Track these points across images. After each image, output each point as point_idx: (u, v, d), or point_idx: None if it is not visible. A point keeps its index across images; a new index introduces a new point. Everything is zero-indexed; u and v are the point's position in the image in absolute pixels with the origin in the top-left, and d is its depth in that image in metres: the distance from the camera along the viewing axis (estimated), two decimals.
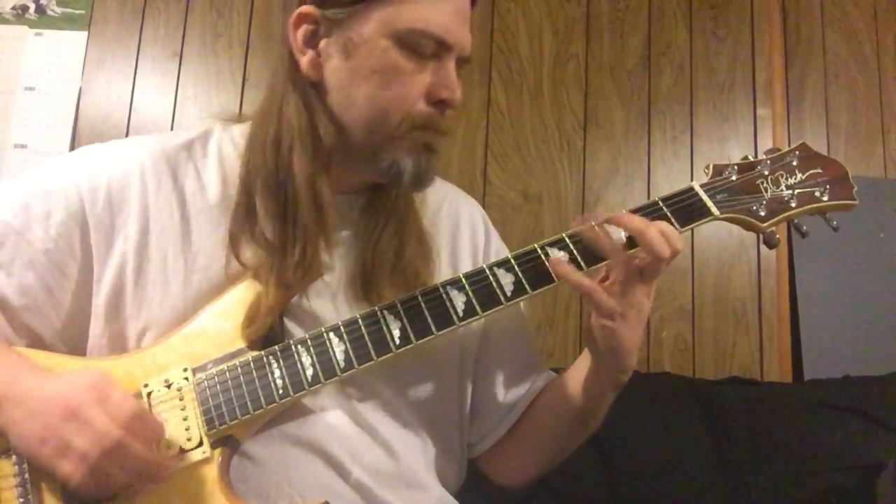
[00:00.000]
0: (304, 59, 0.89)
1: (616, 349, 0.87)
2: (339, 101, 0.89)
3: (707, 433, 1.65)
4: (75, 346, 0.92)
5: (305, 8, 0.89)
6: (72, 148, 1.97)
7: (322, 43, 0.89)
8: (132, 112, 2.00)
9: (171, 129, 1.98)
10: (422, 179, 0.90)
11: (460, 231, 1.06)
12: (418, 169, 0.89)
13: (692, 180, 0.94)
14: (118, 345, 0.90)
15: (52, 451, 0.75)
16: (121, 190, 0.92)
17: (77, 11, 2.05)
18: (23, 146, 1.98)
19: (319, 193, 0.89)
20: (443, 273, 0.99)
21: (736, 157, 0.96)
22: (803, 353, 1.95)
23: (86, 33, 2.03)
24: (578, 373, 0.97)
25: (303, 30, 0.89)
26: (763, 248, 2.02)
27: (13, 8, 2.05)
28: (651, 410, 1.69)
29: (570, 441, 1.04)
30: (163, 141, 0.97)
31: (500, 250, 1.09)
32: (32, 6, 2.05)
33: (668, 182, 2.04)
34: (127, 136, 1.98)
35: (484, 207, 1.17)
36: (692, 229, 0.91)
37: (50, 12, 2.05)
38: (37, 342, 0.90)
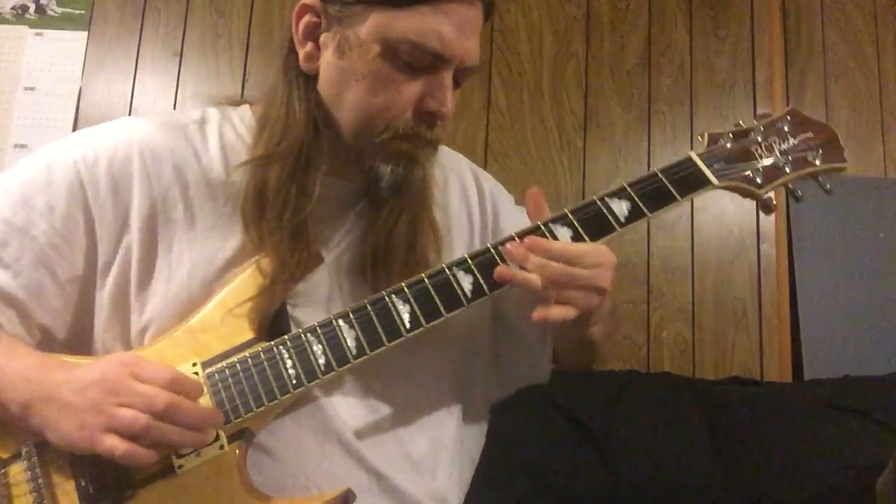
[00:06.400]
0: (302, 52, 0.89)
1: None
2: (330, 98, 0.89)
3: (707, 433, 1.65)
4: (83, 341, 0.90)
5: None
6: None
7: (322, 37, 0.88)
8: (132, 112, 2.00)
9: None
10: (398, 188, 0.89)
11: (469, 199, 1.07)
12: (395, 178, 0.88)
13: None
14: (122, 338, 0.89)
15: (92, 433, 0.74)
16: (123, 176, 0.89)
17: (77, 11, 2.05)
18: (23, 146, 1.98)
19: (311, 182, 0.88)
20: (456, 247, 0.99)
21: None
22: (803, 353, 1.94)
23: (86, 33, 2.03)
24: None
25: (305, 21, 0.89)
26: (763, 246, 2.02)
27: (13, 8, 2.05)
28: (651, 410, 1.69)
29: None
30: (158, 124, 0.95)
31: (495, 192, 1.11)
32: (32, 6, 2.05)
33: None
34: None
35: None
36: (692, 199, 0.91)
37: (50, 12, 2.05)
38: (49, 340, 0.89)
